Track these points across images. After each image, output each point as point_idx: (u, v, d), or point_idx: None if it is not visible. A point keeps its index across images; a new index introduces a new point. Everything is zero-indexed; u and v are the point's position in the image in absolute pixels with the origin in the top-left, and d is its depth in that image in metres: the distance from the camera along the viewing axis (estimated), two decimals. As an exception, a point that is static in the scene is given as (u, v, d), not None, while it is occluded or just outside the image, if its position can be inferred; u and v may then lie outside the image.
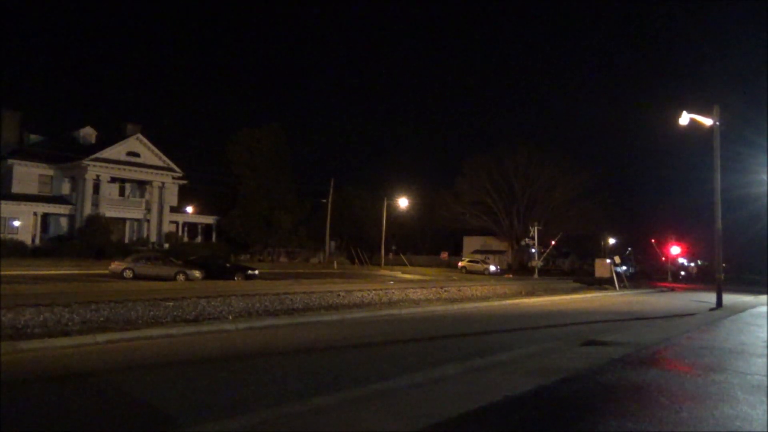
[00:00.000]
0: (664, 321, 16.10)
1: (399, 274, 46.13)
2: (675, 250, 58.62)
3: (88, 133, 51.79)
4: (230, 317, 13.77)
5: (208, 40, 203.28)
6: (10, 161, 43.86)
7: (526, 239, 56.63)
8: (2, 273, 23.19)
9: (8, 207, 41.64)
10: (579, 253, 73.04)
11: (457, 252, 69.64)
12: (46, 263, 33.29)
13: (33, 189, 44.81)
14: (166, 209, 50.03)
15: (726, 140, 21.19)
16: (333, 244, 59.12)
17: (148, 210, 49.11)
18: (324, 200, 55.30)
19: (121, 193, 49.47)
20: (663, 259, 66.39)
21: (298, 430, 5.00)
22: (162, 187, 49.61)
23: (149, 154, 48.97)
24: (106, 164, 45.76)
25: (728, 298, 22.02)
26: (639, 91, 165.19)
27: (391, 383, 6.95)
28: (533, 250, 57.63)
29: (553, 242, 62.04)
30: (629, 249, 68.69)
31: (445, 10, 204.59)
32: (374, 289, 22.19)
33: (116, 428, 5.69)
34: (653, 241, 68.09)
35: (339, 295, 19.14)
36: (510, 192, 63.52)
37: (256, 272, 32.59)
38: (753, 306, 20.77)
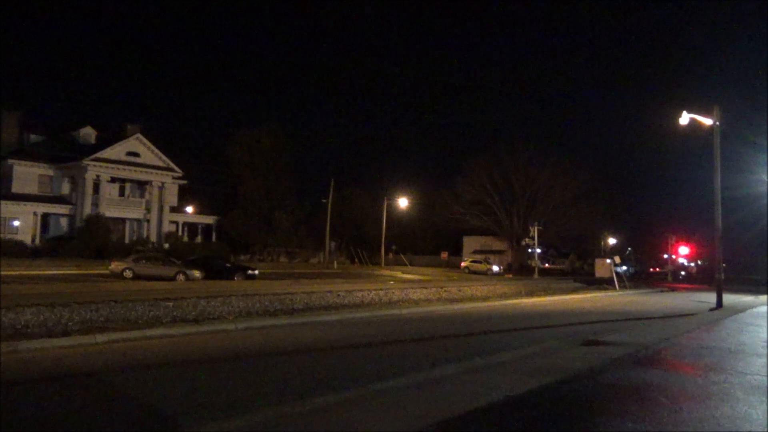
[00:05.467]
0: (664, 321, 16.09)
1: (399, 274, 46.13)
2: (684, 249, 58.59)
3: (88, 133, 51.75)
4: (230, 317, 13.77)
5: (208, 40, 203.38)
6: (10, 161, 43.85)
7: (526, 239, 56.59)
8: (2, 273, 23.19)
9: (8, 207, 41.63)
10: (579, 253, 72.99)
11: (457, 252, 69.57)
12: (46, 263, 33.28)
13: (33, 189, 44.79)
14: (166, 209, 50.02)
15: (726, 140, 21.22)
16: (333, 244, 59.07)
17: (148, 210, 49.10)
18: (324, 200, 55.27)
19: (121, 193, 49.46)
20: (657, 263, 66.30)
21: (298, 430, 5.00)
22: (162, 187, 49.60)
23: (149, 154, 48.96)
24: (106, 164, 45.75)
25: (728, 298, 22.01)
26: (639, 91, 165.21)
27: (391, 383, 6.94)
28: (534, 250, 57.63)
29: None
30: (629, 249, 68.64)
31: (446, 9, 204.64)
32: (374, 289, 22.18)
33: (116, 428, 5.69)
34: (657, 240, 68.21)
35: (339, 295, 19.15)
36: (510, 192, 63.42)
37: (256, 272, 32.60)
38: (753, 306, 20.76)
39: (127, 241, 47.08)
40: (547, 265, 64.50)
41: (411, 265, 60.65)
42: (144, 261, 29.68)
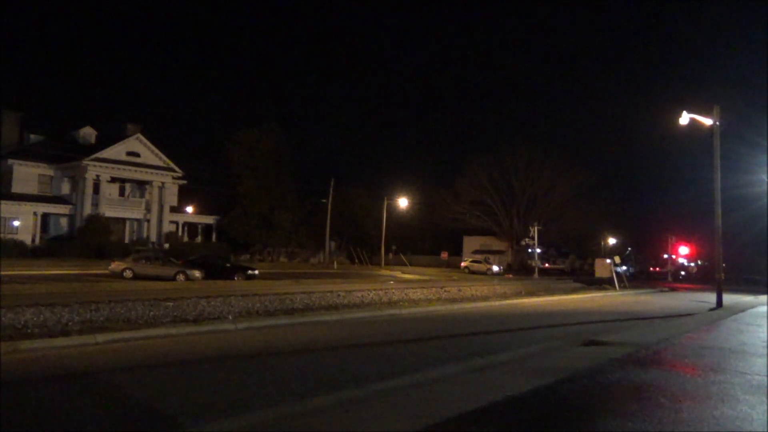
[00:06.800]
0: (664, 321, 16.10)
1: (399, 274, 46.14)
2: (684, 249, 58.64)
3: (88, 133, 51.83)
4: (230, 317, 13.76)
5: (208, 39, 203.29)
6: (10, 161, 43.88)
7: (526, 239, 56.64)
8: (2, 273, 23.19)
9: (8, 207, 41.64)
10: (579, 253, 73.00)
11: (457, 252, 69.57)
12: (46, 263, 33.27)
13: (33, 189, 44.83)
14: (166, 209, 50.04)
15: (726, 140, 21.23)
16: (333, 244, 59.09)
17: (148, 210, 49.12)
18: (324, 200, 55.27)
19: (121, 193, 49.50)
20: (657, 263, 66.18)
21: (298, 430, 5.00)
22: (162, 187, 49.62)
23: (149, 154, 48.99)
24: (106, 164, 45.78)
25: (728, 298, 22.02)
26: (639, 91, 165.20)
27: (391, 383, 6.95)
28: (534, 250, 57.67)
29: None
30: (629, 249, 68.64)
31: (445, 9, 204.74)
32: (374, 289, 22.17)
33: (116, 428, 5.69)
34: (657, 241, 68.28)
35: (339, 295, 19.12)
36: (510, 192, 63.54)
37: (256, 272, 32.59)
38: (753, 306, 20.77)
39: (127, 241, 47.12)
40: (547, 265, 64.51)
41: (411, 265, 60.67)
42: (144, 261, 29.67)
